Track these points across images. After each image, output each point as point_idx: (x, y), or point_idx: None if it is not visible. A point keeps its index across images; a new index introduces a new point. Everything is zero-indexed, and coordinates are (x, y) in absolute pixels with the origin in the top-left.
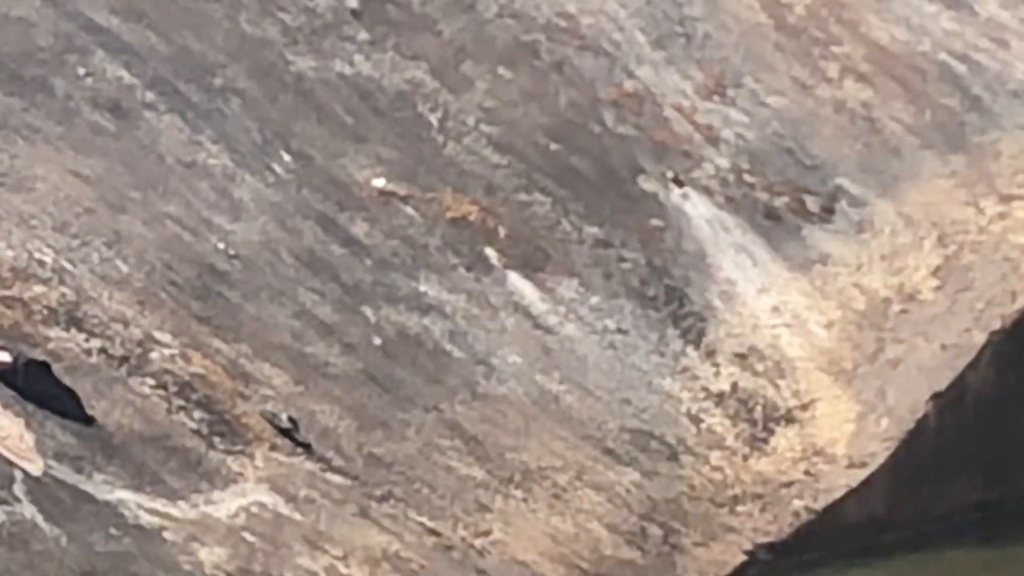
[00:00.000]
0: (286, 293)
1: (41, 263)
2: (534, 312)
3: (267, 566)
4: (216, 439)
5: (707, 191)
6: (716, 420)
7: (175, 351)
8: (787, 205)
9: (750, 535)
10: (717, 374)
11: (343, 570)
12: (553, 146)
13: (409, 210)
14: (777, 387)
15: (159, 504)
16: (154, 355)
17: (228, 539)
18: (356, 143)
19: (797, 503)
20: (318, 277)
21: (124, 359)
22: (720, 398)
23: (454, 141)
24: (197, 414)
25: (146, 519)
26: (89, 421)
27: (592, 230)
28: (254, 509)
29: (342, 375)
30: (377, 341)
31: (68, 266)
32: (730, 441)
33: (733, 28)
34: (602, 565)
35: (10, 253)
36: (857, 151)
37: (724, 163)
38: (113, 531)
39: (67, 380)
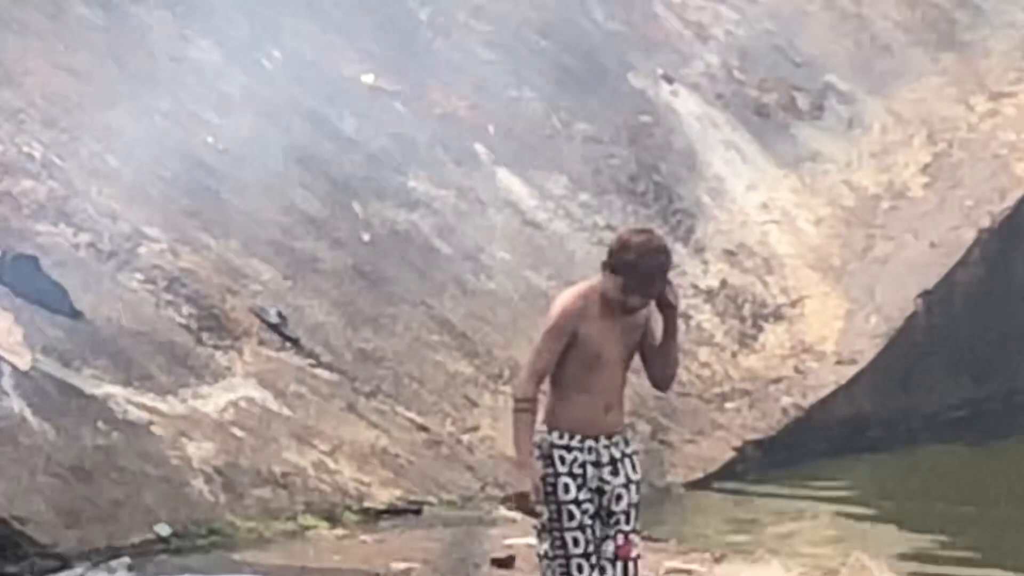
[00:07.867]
0: (275, 188)
1: (30, 157)
2: (523, 208)
3: (255, 460)
4: (205, 334)
5: (697, 88)
6: (705, 316)
7: (164, 246)
8: (777, 102)
9: (738, 431)
10: (706, 271)
11: (331, 465)
12: (543, 42)
13: (398, 106)
14: (766, 284)
15: (147, 399)
16: (143, 250)
17: (216, 433)
18: (346, 39)
19: (786, 400)
20: (308, 172)
21: (113, 254)
22: (709, 295)
23: (443, 37)
24: (186, 309)
25: (135, 413)
26: (77, 315)
27: (581, 126)
28: (242, 404)
29: (331, 270)
30: (366, 237)
31: (57, 160)
32: (719, 338)
33: None
34: None
35: None
36: (847, 48)
37: (714, 60)
38: (101, 425)
39: (55, 274)
